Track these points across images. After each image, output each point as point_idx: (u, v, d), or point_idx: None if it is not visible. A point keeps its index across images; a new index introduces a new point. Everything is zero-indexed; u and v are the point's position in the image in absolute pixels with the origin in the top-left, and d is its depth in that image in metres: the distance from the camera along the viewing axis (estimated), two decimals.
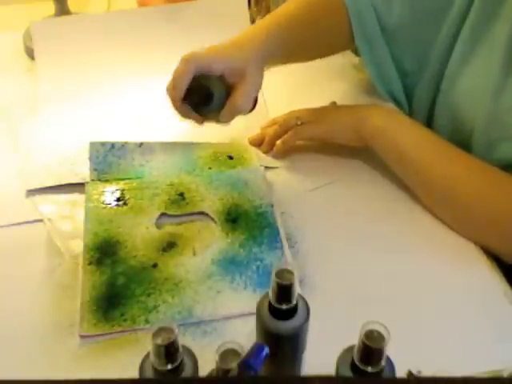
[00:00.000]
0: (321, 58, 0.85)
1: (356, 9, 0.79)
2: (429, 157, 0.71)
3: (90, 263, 0.66)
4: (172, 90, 0.71)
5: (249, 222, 0.71)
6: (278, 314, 0.50)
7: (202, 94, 0.71)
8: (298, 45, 0.79)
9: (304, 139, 0.80)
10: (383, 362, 0.46)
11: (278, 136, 0.79)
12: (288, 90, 0.93)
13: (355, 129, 0.75)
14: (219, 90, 0.72)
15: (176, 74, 0.71)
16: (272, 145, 0.80)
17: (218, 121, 0.74)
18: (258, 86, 0.75)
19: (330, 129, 0.77)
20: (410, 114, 0.85)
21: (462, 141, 0.74)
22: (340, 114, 0.78)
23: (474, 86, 0.73)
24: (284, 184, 0.77)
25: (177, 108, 0.73)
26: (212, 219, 0.72)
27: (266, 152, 0.81)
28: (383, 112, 0.76)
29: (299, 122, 0.78)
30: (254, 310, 0.52)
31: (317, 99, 0.84)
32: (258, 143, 0.82)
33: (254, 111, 0.76)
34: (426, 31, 0.77)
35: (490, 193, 0.67)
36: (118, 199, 0.73)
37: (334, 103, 0.85)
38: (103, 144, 0.80)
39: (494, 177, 0.68)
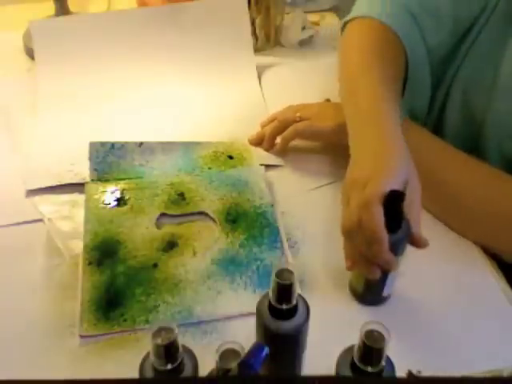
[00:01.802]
0: None
1: (408, 40, 0.74)
2: (431, 161, 0.70)
3: (89, 263, 0.66)
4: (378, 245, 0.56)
5: (249, 221, 0.71)
6: (278, 313, 0.50)
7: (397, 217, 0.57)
8: None
9: (302, 136, 0.79)
10: (383, 362, 0.46)
11: (277, 132, 0.79)
12: (288, 90, 0.93)
13: None
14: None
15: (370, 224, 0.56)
16: (272, 141, 0.80)
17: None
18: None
19: (327, 129, 0.76)
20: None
21: (473, 136, 0.74)
22: (339, 114, 0.75)
23: (484, 80, 0.73)
24: (284, 184, 0.77)
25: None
26: (212, 219, 0.72)
27: (267, 150, 0.81)
28: None
29: (298, 119, 0.78)
30: (254, 310, 0.52)
31: (316, 99, 0.84)
32: (258, 143, 0.82)
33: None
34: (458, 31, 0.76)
35: (493, 194, 0.67)
36: (118, 199, 0.73)
37: (327, 100, 0.85)
38: (103, 144, 0.80)
39: (498, 179, 0.68)
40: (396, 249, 0.58)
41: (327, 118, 0.76)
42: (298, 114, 0.78)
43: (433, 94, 0.82)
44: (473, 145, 0.74)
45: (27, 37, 0.96)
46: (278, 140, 0.80)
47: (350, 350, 0.49)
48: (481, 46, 0.74)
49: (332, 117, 0.76)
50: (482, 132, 0.73)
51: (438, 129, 0.82)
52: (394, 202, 0.55)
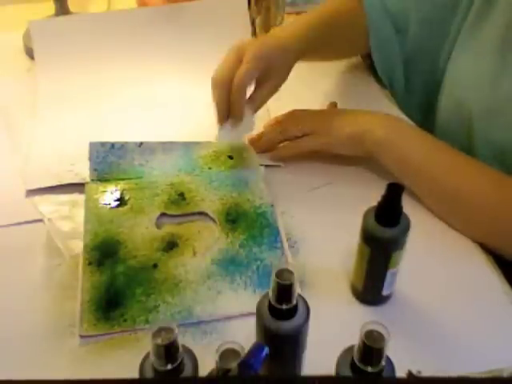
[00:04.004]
0: (338, 58, 0.95)
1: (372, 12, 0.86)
2: (438, 167, 0.70)
3: (89, 263, 0.66)
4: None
5: (249, 222, 0.71)
6: (278, 313, 0.50)
7: None
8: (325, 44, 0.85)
9: (306, 151, 0.78)
10: (383, 362, 0.46)
11: (277, 143, 0.79)
12: (288, 90, 0.92)
13: (359, 141, 0.73)
14: None
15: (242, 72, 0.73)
16: (267, 149, 0.79)
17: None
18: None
19: (332, 141, 0.75)
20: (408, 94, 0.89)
21: (463, 124, 0.75)
22: (342, 125, 0.76)
23: (472, 70, 0.74)
24: (284, 184, 0.77)
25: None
26: (212, 219, 0.72)
27: (259, 151, 0.80)
28: (386, 122, 0.74)
29: (300, 134, 0.77)
30: (254, 310, 0.52)
31: (317, 99, 0.84)
32: None
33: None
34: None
35: (496, 197, 0.67)
36: (118, 199, 0.73)
37: (334, 104, 0.84)
38: (103, 144, 0.80)
39: (505, 183, 0.68)
40: (395, 243, 0.58)
41: (330, 133, 0.75)
42: (299, 127, 0.77)
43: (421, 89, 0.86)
44: (462, 137, 0.76)
45: (27, 37, 0.96)
46: (280, 147, 0.80)
47: (350, 349, 0.49)
48: (464, 45, 0.77)
49: (335, 131, 0.75)
50: (472, 119, 0.74)
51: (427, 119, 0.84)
52: (393, 195, 0.56)
